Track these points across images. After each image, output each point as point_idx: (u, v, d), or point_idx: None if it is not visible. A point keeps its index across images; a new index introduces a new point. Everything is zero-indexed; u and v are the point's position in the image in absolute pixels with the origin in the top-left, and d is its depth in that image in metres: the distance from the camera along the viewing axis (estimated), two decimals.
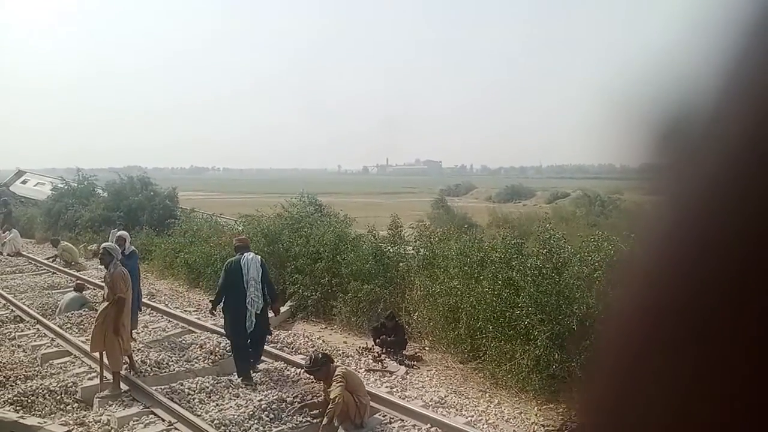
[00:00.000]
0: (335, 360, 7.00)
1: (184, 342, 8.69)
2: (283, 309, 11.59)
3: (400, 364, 8.71)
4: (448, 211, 36.99)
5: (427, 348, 9.69)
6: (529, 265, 8.54)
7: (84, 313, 9.70)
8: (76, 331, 9.17)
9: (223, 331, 8.23)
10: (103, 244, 8.13)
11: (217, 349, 8.35)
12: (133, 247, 9.11)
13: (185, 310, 11.46)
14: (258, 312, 7.59)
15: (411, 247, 12.37)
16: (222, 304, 7.72)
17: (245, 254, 7.64)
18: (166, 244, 16.14)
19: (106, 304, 7.02)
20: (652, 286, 0.29)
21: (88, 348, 7.49)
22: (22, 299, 10.91)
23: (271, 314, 8.22)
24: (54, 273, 14.34)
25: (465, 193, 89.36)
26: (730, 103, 0.26)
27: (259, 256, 7.97)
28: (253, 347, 7.80)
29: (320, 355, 6.53)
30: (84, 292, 10.44)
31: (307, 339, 10.13)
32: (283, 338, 9.88)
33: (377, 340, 9.24)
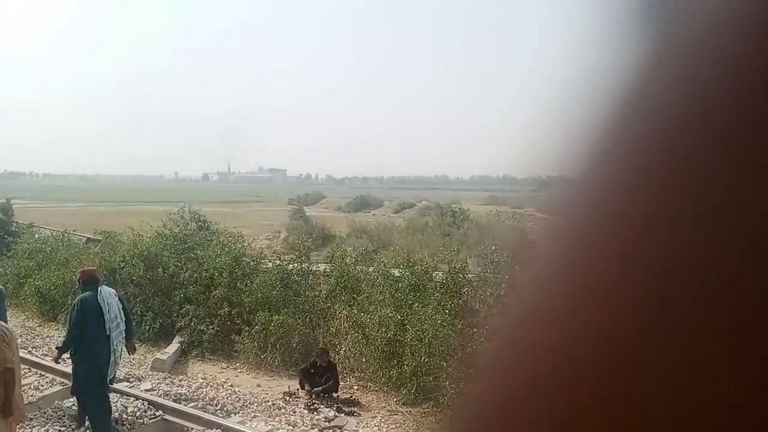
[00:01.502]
0: None
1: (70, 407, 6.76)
2: (172, 345, 9.90)
3: (338, 412, 7.51)
4: (307, 222, 36.09)
5: (356, 388, 8.58)
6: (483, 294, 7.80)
7: None
8: None
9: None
10: None
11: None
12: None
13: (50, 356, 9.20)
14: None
15: (322, 267, 11.19)
16: (71, 350, 6.41)
17: (101, 289, 6.42)
18: (6, 267, 13.34)
19: None
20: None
21: None
22: None
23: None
24: None
25: (315, 202, 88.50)
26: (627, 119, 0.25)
27: (113, 290, 6.78)
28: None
29: None
30: None
31: (209, 383, 8.55)
32: (179, 384, 8.18)
33: (306, 385, 7.93)
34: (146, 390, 7.35)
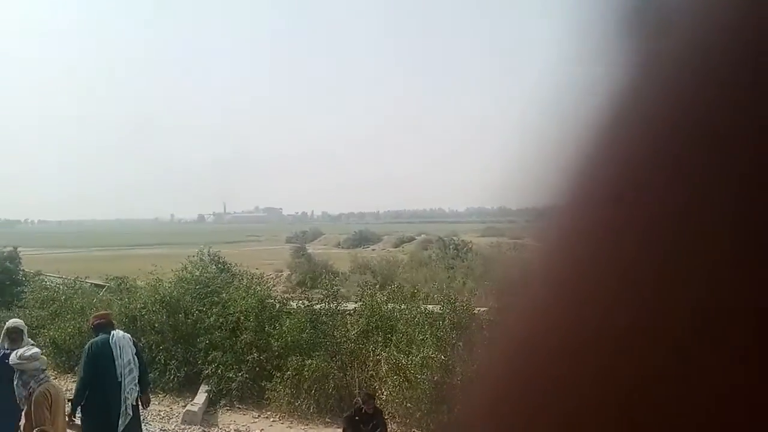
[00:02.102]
0: None
1: None
2: (200, 395, 9.41)
3: None
4: (309, 260, 35.71)
5: None
6: None
7: None
8: None
9: None
10: (12, 325, 5.74)
11: None
12: (31, 341, 6.53)
13: None
14: (133, 404, 6.07)
15: (351, 306, 10.76)
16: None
17: (113, 333, 6.08)
18: (17, 317, 12.81)
19: None
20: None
21: None
22: None
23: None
24: None
25: (313, 239, 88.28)
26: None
27: (128, 335, 6.37)
28: None
29: None
30: None
31: None
32: None
33: None
34: None
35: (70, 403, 6.23)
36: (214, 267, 12.62)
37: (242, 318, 10.18)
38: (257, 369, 9.66)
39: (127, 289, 14.49)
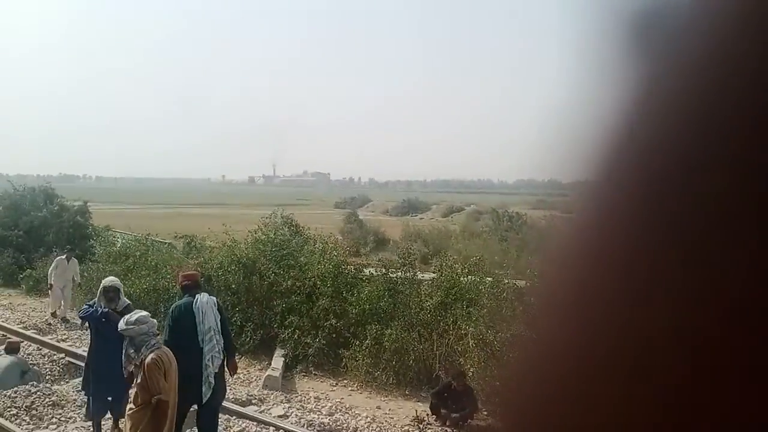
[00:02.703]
0: None
1: None
2: (276, 360, 9.26)
3: None
4: (361, 226, 35.52)
5: (486, 414, 7.76)
6: None
7: (33, 389, 6.77)
8: (29, 420, 6.32)
9: None
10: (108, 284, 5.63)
11: None
12: (127, 300, 6.39)
13: None
14: (216, 372, 5.71)
15: (427, 274, 10.45)
16: None
17: (197, 296, 5.73)
18: (92, 272, 12.96)
19: (133, 410, 4.42)
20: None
21: None
22: None
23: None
24: None
25: (361, 206, 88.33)
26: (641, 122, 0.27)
27: (214, 298, 6.03)
28: (207, 422, 5.74)
29: None
30: (21, 354, 7.41)
31: (326, 401, 7.86)
32: (314, 410, 7.46)
33: (442, 411, 7.17)
34: (279, 417, 6.68)
35: None
36: (286, 229, 12.43)
37: (319, 283, 9.98)
38: (333, 336, 9.47)
39: (196, 247, 14.55)
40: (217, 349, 5.74)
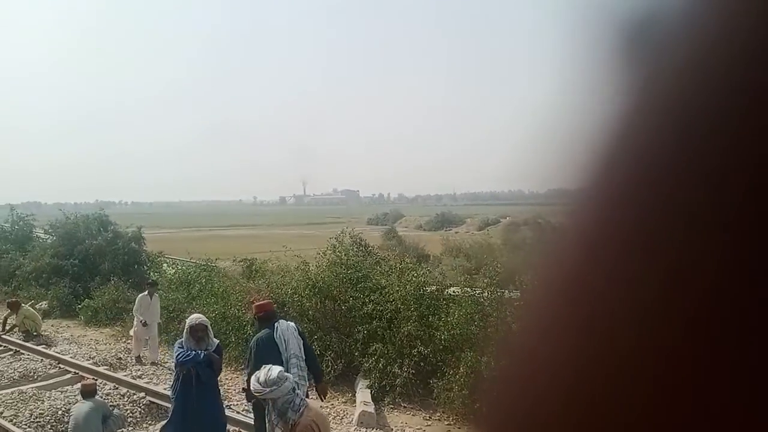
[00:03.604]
0: None
1: None
2: (363, 392, 8.58)
3: None
4: (401, 242, 34.84)
5: None
6: None
7: None
8: None
9: None
10: (196, 322, 5.07)
11: None
12: (216, 339, 5.80)
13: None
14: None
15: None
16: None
17: (277, 324, 5.70)
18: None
19: None
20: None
21: None
22: None
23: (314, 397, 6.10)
24: (16, 353, 10.08)
25: (394, 221, 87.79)
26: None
27: (293, 323, 5.97)
28: None
29: None
30: (99, 396, 6.78)
31: None
32: None
33: None
34: None
35: (244, 391, 6.03)
36: (355, 249, 11.81)
37: (402, 307, 9.29)
38: (421, 364, 8.75)
39: (257, 271, 14.01)
40: (302, 376, 5.61)
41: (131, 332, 10.77)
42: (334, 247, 10.89)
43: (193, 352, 5.30)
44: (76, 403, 6.60)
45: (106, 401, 6.78)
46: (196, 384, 5.32)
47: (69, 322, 14.09)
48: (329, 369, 9.18)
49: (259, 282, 11.92)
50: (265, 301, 6.74)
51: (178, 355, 5.36)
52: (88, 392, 6.10)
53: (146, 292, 10.73)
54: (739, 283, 0.21)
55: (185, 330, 5.52)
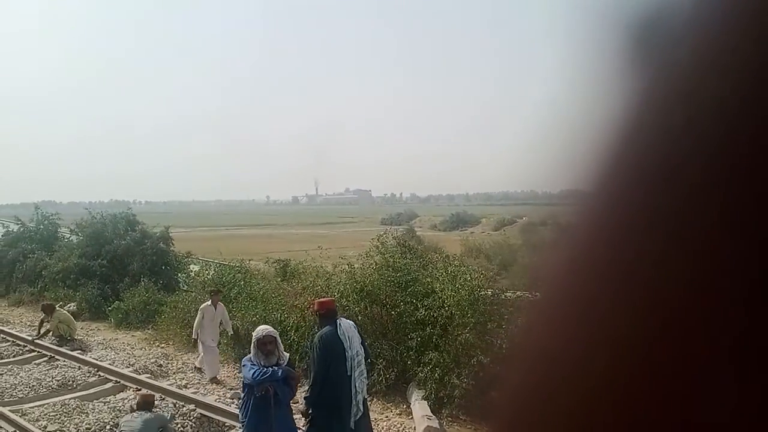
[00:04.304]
0: None
1: None
2: (420, 405, 8.07)
3: None
4: (420, 242, 34.20)
5: None
6: None
7: None
8: None
9: None
10: (264, 334, 4.60)
11: None
12: (286, 353, 5.30)
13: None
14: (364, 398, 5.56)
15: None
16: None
17: (340, 322, 5.51)
18: (189, 303, 12.03)
19: None
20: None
21: None
22: (30, 416, 6.73)
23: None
24: (51, 358, 9.57)
25: (408, 221, 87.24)
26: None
27: (352, 321, 5.88)
28: None
29: None
30: (156, 409, 6.29)
31: None
32: None
33: None
34: None
35: (305, 401, 5.68)
36: (397, 249, 11.28)
37: (457, 313, 8.76)
38: (481, 374, 8.22)
39: (292, 272, 13.54)
40: (365, 375, 5.59)
41: (197, 361, 9.38)
42: (379, 249, 10.38)
43: (270, 369, 4.79)
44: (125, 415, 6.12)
45: (165, 414, 6.28)
46: (275, 405, 4.81)
47: (98, 324, 13.68)
48: (380, 378, 8.69)
49: (294, 284, 11.46)
50: (327, 299, 6.54)
51: (255, 373, 4.79)
52: (146, 404, 5.62)
53: (209, 302, 9.42)
54: (750, 283, 0.21)
55: (252, 344, 5.02)
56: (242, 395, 5.26)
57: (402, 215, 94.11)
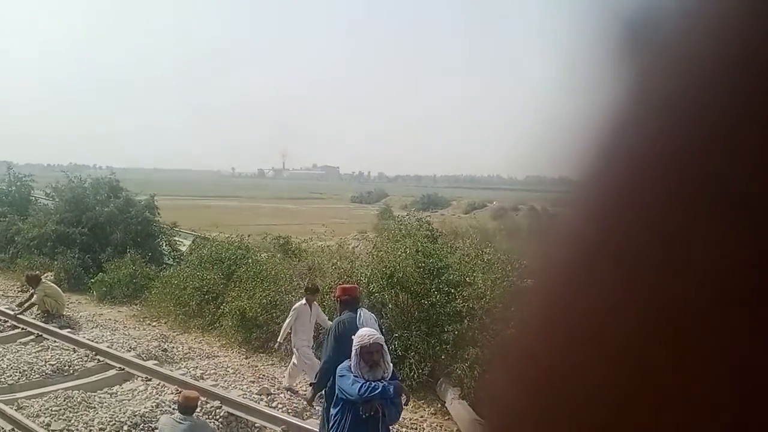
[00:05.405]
0: None
1: None
2: (457, 404, 7.37)
3: None
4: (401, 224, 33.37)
5: None
6: None
7: None
8: None
9: None
10: (371, 342, 3.83)
11: None
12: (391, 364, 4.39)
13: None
14: None
15: None
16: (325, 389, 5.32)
17: (359, 311, 5.51)
18: (186, 280, 11.04)
19: None
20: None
21: None
22: (29, 410, 5.73)
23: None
24: (39, 337, 8.38)
25: (378, 200, 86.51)
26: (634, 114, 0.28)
27: (373, 314, 5.84)
28: None
29: None
30: (197, 413, 5.13)
31: None
32: None
33: None
34: None
35: (311, 387, 5.74)
36: (422, 233, 10.50)
37: (499, 305, 8.04)
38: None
39: (293, 252, 12.67)
40: None
41: (293, 362, 7.63)
42: (402, 232, 9.56)
43: (380, 384, 3.91)
44: (160, 415, 5.19)
45: (208, 422, 5.33)
46: (382, 428, 3.95)
47: (79, 297, 12.56)
48: (412, 373, 7.93)
49: (298, 264, 10.61)
50: (350, 285, 6.48)
51: (362, 388, 3.90)
52: (189, 407, 4.68)
53: (303, 301, 7.61)
54: (741, 274, 0.21)
55: (354, 351, 4.07)
56: (326, 408, 4.91)
57: (372, 194, 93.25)
